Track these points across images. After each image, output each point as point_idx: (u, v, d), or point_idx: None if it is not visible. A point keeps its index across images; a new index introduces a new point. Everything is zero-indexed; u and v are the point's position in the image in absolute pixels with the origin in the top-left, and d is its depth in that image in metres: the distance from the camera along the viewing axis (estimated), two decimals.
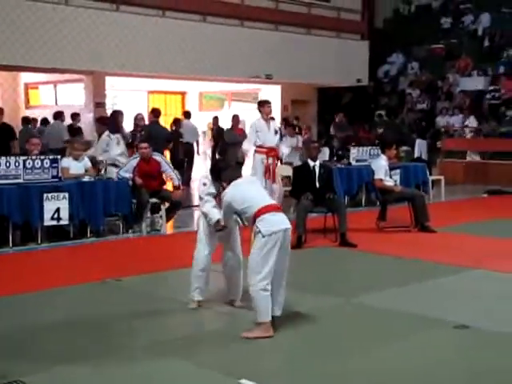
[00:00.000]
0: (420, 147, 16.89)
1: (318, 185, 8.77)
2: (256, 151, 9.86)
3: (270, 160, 9.85)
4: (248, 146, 10.12)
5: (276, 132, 9.98)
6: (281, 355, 4.55)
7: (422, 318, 5.28)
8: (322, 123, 18.65)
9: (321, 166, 9.01)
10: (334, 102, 19.62)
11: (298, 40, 17.20)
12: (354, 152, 12.43)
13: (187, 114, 15.66)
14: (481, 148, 16.66)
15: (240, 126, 14.40)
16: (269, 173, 9.86)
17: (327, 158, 12.10)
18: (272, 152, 9.88)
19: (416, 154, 15.98)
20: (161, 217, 9.70)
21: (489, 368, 4.26)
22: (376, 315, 5.50)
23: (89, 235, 9.04)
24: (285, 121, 15.96)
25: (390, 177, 10.02)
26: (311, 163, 8.95)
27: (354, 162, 12.27)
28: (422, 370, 4.24)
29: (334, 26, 18.44)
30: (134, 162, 9.53)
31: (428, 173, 13.29)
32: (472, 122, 17.72)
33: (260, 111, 9.99)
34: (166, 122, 15.58)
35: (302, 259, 7.95)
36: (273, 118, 10.18)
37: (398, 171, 11.13)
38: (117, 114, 11.51)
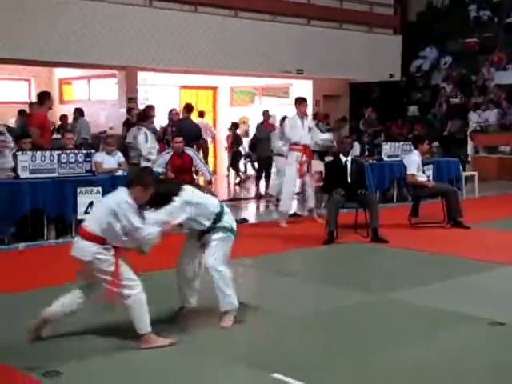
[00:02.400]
0: None
1: (349, 180, 8.75)
2: (291, 149, 9.81)
3: (305, 157, 9.83)
4: (281, 144, 10.10)
5: (310, 129, 9.94)
6: (313, 350, 4.55)
7: (456, 315, 5.24)
8: (354, 118, 18.54)
9: (353, 161, 8.99)
10: (366, 97, 19.49)
11: (329, 35, 17.10)
12: (386, 147, 12.36)
13: (201, 114, 16.42)
14: None
15: (270, 121, 14.40)
16: (303, 170, 9.84)
17: (358, 154, 12.04)
18: (307, 149, 9.85)
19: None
20: None
21: None
22: (408, 311, 5.48)
23: None
24: (315, 116, 15.87)
25: (423, 172, 9.95)
26: (343, 158, 8.92)
27: (385, 158, 12.21)
28: (457, 366, 4.21)
29: (367, 21, 18.30)
30: (167, 156, 9.62)
31: (461, 168, 13.16)
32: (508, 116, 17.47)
33: (296, 108, 9.97)
34: (197, 116, 15.69)
35: (334, 255, 7.96)
36: (307, 115, 10.13)
37: (430, 166, 11.05)
38: (149, 109, 11.63)
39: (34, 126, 9.69)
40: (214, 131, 17.86)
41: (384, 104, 18.70)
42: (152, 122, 11.88)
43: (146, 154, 10.45)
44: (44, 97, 9.92)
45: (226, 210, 5.22)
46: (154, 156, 10.33)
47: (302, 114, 9.88)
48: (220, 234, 5.07)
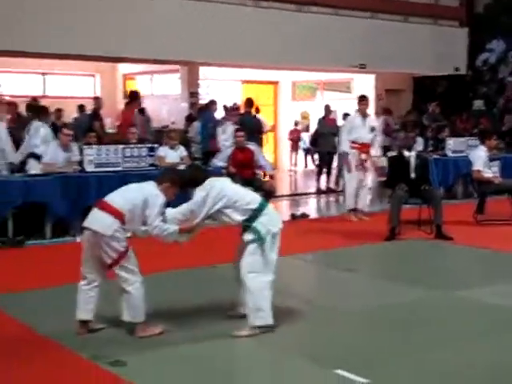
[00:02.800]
0: None
1: (413, 175, 8.60)
2: (351, 147, 9.78)
3: (363, 156, 9.75)
4: (342, 143, 10.03)
5: (372, 129, 9.86)
6: (377, 347, 4.49)
7: None
8: (417, 113, 18.23)
9: (416, 156, 8.83)
10: (430, 91, 19.14)
11: (393, 28, 16.84)
12: (451, 143, 12.13)
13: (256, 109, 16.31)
14: None
15: (332, 116, 14.31)
16: (362, 168, 9.77)
17: (421, 149, 11.83)
18: (365, 148, 9.77)
19: None
20: None
21: None
22: (474, 309, 5.37)
23: None
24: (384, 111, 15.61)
25: (490, 168, 9.70)
26: (406, 153, 8.78)
27: (450, 153, 11.98)
28: None
29: (432, 13, 17.94)
30: (229, 150, 9.67)
31: None
32: None
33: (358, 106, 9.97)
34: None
35: (396, 251, 7.86)
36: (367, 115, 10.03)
37: (497, 162, 10.75)
38: (211, 104, 11.75)
39: (120, 123, 10.04)
40: (267, 126, 17.83)
41: (449, 98, 18.33)
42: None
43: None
44: (132, 96, 10.30)
45: (269, 209, 4.86)
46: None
47: (362, 113, 9.82)
48: (252, 236, 4.73)
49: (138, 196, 4.68)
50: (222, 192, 4.80)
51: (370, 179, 10.07)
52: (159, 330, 4.69)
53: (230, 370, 4.15)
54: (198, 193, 4.79)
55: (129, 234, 4.78)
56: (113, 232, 4.57)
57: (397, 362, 4.20)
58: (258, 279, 4.67)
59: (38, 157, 8.90)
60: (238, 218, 4.78)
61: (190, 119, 13.11)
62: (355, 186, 9.82)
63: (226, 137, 11.00)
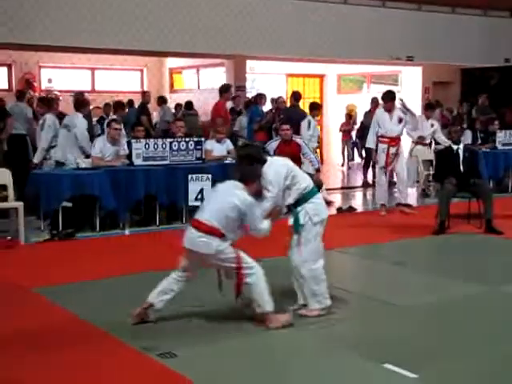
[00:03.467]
0: None
1: (462, 169, 8.48)
2: (379, 141, 9.72)
3: (393, 150, 9.66)
4: (369, 139, 9.94)
5: (400, 120, 9.75)
6: (426, 342, 4.45)
7: None
8: (468, 105, 17.92)
9: (465, 149, 8.71)
10: (480, 83, 18.78)
11: (441, 19, 16.58)
12: (501, 135, 11.92)
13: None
14: None
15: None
16: (391, 162, 9.68)
17: (470, 142, 11.65)
18: (394, 141, 9.68)
19: None
20: None
21: None
22: None
23: None
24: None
25: None
26: (454, 147, 8.67)
27: (500, 146, 11.78)
28: None
29: (481, 3, 17.59)
30: (275, 144, 9.66)
31: None
32: None
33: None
34: (303, 105, 15.63)
35: (446, 245, 7.77)
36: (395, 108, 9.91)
37: None
38: (259, 97, 11.80)
39: (213, 116, 10.59)
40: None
41: (499, 90, 17.95)
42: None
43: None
44: (223, 88, 10.89)
45: (317, 198, 4.92)
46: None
47: (387, 110, 9.72)
48: (291, 222, 4.84)
49: (229, 206, 4.59)
50: (289, 169, 4.85)
51: (404, 173, 9.95)
52: (287, 317, 4.67)
53: (280, 362, 4.17)
54: (268, 171, 4.74)
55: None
56: (216, 249, 4.58)
57: (446, 358, 4.15)
58: (310, 267, 4.84)
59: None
60: (289, 200, 4.84)
61: (233, 113, 13.15)
62: (384, 180, 9.79)
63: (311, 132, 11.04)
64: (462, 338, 4.52)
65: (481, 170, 8.95)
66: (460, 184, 8.35)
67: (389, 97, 9.83)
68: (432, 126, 11.45)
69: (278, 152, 9.58)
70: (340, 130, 17.53)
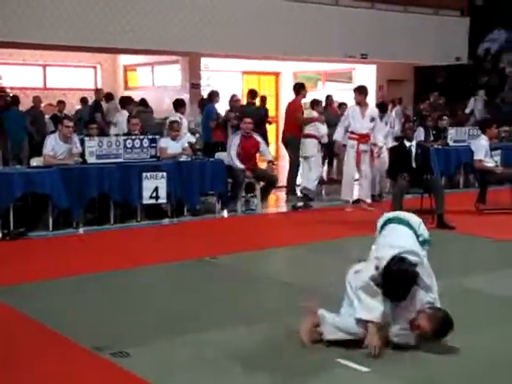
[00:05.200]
0: None
1: (414, 165, 8.61)
2: (348, 137, 9.79)
3: (363, 147, 9.75)
4: (338, 132, 10.00)
5: (372, 119, 9.85)
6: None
7: None
8: (419, 103, 18.20)
9: (417, 146, 8.84)
10: (431, 81, 19.10)
11: (394, 18, 16.80)
12: (452, 132, 12.14)
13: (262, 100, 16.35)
14: None
15: (334, 106, 14.30)
16: (360, 159, 9.77)
17: (422, 138, 11.82)
18: (364, 138, 9.77)
19: None
20: (256, 196, 9.79)
21: None
22: (478, 298, 5.37)
23: (185, 214, 9.25)
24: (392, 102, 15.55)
25: (491, 157, 9.70)
26: (407, 143, 8.80)
27: (451, 143, 11.99)
28: None
29: (433, 3, 17.88)
30: (237, 139, 9.71)
31: None
32: None
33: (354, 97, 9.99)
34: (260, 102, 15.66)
35: None
36: (367, 105, 10.01)
37: (498, 152, 10.75)
38: (214, 95, 11.80)
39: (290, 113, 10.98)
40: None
41: (450, 88, 18.29)
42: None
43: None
44: (298, 87, 11.13)
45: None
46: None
47: (359, 104, 9.80)
48: None
49: None
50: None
51: (369, 169, 10.05)
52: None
53: (231, 357, 4.15)
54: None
55: None
56: None
57: (396, 351, 4.20)
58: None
59: None
60: None
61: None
62: (352, 176, 9.86)
63: None
64: None
65: (433, 166, 9.08)
66: (413, 180, 8.47)
67: (363, 90, 9.91)
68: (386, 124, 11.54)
69: (242, 146, 9.65)
70: None
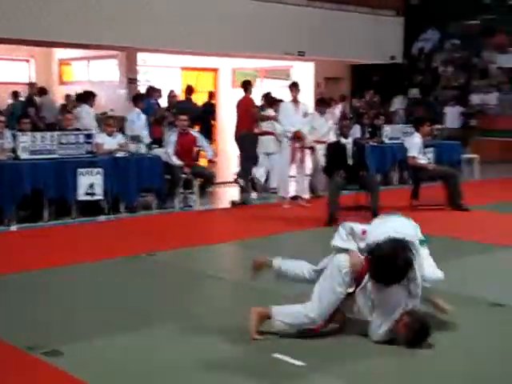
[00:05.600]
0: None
1: (350, 162, 8.74)
2: (284, 134, 9.87)
3: (298, 143, 9.85)
4: (279, 129, 10.07)
5: (305, 115, 9.95)
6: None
7: (457, 296, 5.24)
8: (354, 100, 18.47)
9: (353, 143, 8.97)
10: (367, 79, 19.42)
11: (331, 16, 17.01)
12: (387, 130, 12.36)
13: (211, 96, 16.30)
14: None
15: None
16: (296, 156, 9.87)
17: (358, 136, 12.01)
18: (300, 135, 9.87)
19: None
20: (194, 193, 9.76)
21: None
22: None
23: (122, 210, 9.14)
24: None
25: (424, 155, 9.94)
26: (343, 140, 8.92)
27: (386, 140, 12.21)
28: (461, 348, 4.22)
29: (369, 2, 18.19)
30: (174, 136, 9.68)
31: (462, 151, 13.16)
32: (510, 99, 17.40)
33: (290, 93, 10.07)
34: (198, 98, 15.60)
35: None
36: (299, 101, 10.10)
37: (431, 149, 11.02)
38: (152, 91, 11.70)
39: (242, 109, 10.82)
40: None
41: (385, 86, 18.62)
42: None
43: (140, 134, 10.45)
44: (247, 83, 11.11)
45: None
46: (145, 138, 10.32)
47: (294, 100, 9.89)
48: None
49: None
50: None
51: (307, 166, 10.17)
52: None
53: (167, 354, 4.13)
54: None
55: None
56: None
57: (330, 344, 4.26)
58: None
59: None
60: None
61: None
62: (289, 173, 9.94)
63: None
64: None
65: (368, 163, 9.23)
66: (348, 177, 8.60)
67: (298, 86, 9.97)
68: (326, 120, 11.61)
69: (179, 144, 9.61)
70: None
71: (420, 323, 4.09)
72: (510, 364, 4.03)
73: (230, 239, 7.57)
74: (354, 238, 4.30)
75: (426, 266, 4.33)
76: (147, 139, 10.39)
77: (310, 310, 4.21)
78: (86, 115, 11.02)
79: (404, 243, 4.09)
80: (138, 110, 10.95)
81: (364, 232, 4.27)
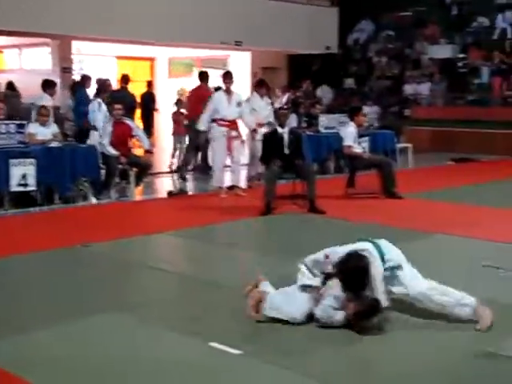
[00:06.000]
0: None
1: (286, 151, 8.79)
2: (219, 124, 9.81)
3: (233, 133, 9.86)
4: (203, 120, 9.99)
5: (239, 104, 9.96)
6: (247, 318, 4.59)
7: None
8: (293, 90, 18.59)
9: (290, 132, 9.02)
10: (304, 69, 19.57)
11: (268, 6, 17.06)
12: (323, 119, 12.50)
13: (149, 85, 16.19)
14: (448, 116, 16.81)
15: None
16: (231, 145, 9.88)
17: (295, 125, 12.10)
18: (234, 125, 9.88)
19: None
20: (130, 183, 9.67)
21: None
22: None
23: (56, 201, 8.98)
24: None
25: (359, 144, 10.10)
26: (280, 130, 8.96)
27: (322, 129, 12.34)
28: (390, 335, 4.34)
29: None
30: (109, 126, 9.57)
31: (396, 140, 13.43)
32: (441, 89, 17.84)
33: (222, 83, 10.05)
34: (134, 88, 15.40)
35: (271, 225, 8.04)
36: (232, 91, 10.08)
37: (366, 138, 11.21)
38: (85, 80, 11.49)
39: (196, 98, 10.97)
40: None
41: (321, 76, 18.82)
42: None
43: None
44: (204, 74, 11.24)
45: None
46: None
47: (227, 89, 9.88)
48: None
49: None
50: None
51: (242, 155, 10.19)
52: None
53: (98, 346, 4.09)
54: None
55: None
56: None
57: (269, 335, 4.31)
58: None
59: None
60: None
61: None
62: (223, 163, 9.91)
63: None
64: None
65: (304, 152, 9.32)
66: (285, 166, 8.66)
67: (229, 77, 9.94)
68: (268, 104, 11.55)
69: (115, 133, 9.49)
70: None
71: (371, 302, 4.25)
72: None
73: (167, 229, 7.53)
74: (319, 266, 4.50)
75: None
76: None
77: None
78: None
79: (359, 254, 4.35)
80: (99, 100, 11.04)
81: (327, 256, 4.47)
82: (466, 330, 4.30)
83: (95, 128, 10.40)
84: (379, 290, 4.33)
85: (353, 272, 4.28)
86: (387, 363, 3.90)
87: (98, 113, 10.72)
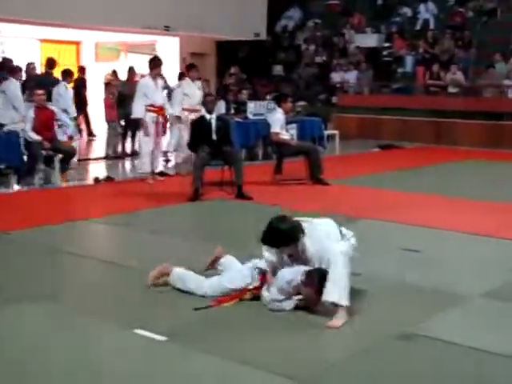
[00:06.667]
0: None
1: (214, 138, 8.79)
2: (148, 110, 9.68)
3: (161, 119, 9.80)
4: (137, 109, 9.85)
5: (166, 88, 9.90)
6: (170, 302, 4.58)
7: None
8: (220, 77, 18.58)
9: (217, 118, 9.02)
10: (232, 55, 19.54)
11: None
12: (251, 106, 12.53)
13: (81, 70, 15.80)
14: (374, 104, 17.14)
15: (137, 79, 14.10)
16: (159, 130, 9.81)
17: (223, 111, 12.10)
18: (162, 110, 9.81)
19: None
20: (54, 169, 9.46)
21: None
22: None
23: None
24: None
25: (287, 131, 10.19)
26: (208, 116, 8.94)
27: (251, 116, 12.38)
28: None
29: None
30: (31, 112, 9.35)
31: (323, 127, 13.61)
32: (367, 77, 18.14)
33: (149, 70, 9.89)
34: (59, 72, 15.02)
35: (199, 211, 8.05)
36: (161, 76, 9.97)
37: (294, 125, 11.31)
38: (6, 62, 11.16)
39: None
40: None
41: (250, 63, 18.84)
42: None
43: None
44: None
45: None
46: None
47: (154, 76, 9.78)
48: None
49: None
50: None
51: (163, 141, 10.14)
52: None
53: (41, 336, 4.02)
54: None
55: None
56: None
57: (196, 321, 4.32)
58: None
59: None
60: None
61: None
62: (151, 149, 9.79)
63: None
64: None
65: (232, 138, 9.33)
66: (213, 152, 8.66)
67: (156, 63, 9.80)
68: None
69: (38, 120, 9.27)
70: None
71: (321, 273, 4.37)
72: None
73: (92, 216, 7.42)
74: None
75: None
76: (74, 112, 11.08)
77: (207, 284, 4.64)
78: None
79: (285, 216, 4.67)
80: (65, 82, 11.06)
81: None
82: (382, 315, 4.42)
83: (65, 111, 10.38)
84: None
85: (269, 229, 4.53)
86: (313, 351, 3.97)
87: (65, 95, 10.88)
